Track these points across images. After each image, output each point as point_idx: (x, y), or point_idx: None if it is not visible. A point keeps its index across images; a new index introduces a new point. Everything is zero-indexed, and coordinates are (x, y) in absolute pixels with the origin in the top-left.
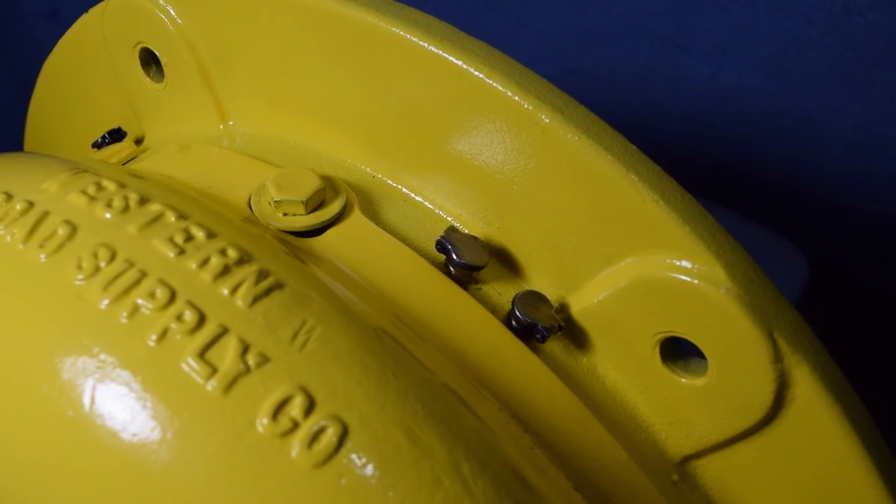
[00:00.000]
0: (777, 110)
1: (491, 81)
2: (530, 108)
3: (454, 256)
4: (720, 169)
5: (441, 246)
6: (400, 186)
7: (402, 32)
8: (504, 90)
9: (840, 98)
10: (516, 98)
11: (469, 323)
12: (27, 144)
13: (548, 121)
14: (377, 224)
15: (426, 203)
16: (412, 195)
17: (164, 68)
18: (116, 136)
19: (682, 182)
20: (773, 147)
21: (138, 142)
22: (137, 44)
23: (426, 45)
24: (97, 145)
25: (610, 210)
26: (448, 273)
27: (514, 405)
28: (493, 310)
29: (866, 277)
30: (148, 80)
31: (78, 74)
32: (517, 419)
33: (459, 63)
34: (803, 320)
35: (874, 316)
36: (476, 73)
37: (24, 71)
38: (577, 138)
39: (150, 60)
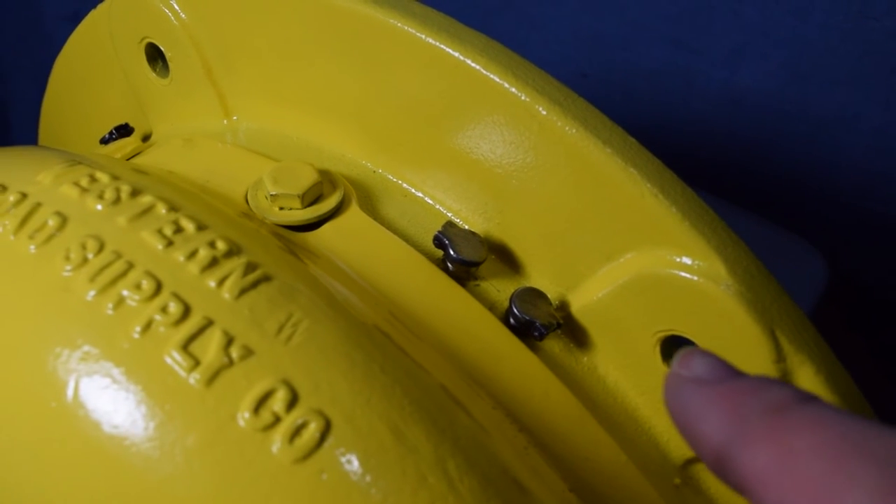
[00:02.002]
0: (793, 115)
1: (488, 73)
2: (527, 99)
3: (451, 252)
4: (736, 173)
5: (438, 241)
6: (400, 181)
7: (398, 24)
8: (501, 82)
9: (857, 103)
10: (513, 90)
11: (465, 320)
12: (41, 141)
13: (545, 113)
14: (375, 219)
15: (426, 198)
16: (412, 190)
17: (169, 63)
18: (124, 131)
19: (696, 185)
20: (789, 152)
21: (146, 138)
22: (143, 39)
23: (423, 36)
24: (105, 141)
25: (609, 205)
26: (446, 269)
27: (508, 403)
28: (492, 307)
29: (885, 280)
30: (154, 75)
31: (87, 71)
32: (512, 418)
33: (456, 54)
34: (808, 320)
35: (883, 318)
36: (473, 64)
37: (47, 73)
38: (574, 131)
39: (155, 56)
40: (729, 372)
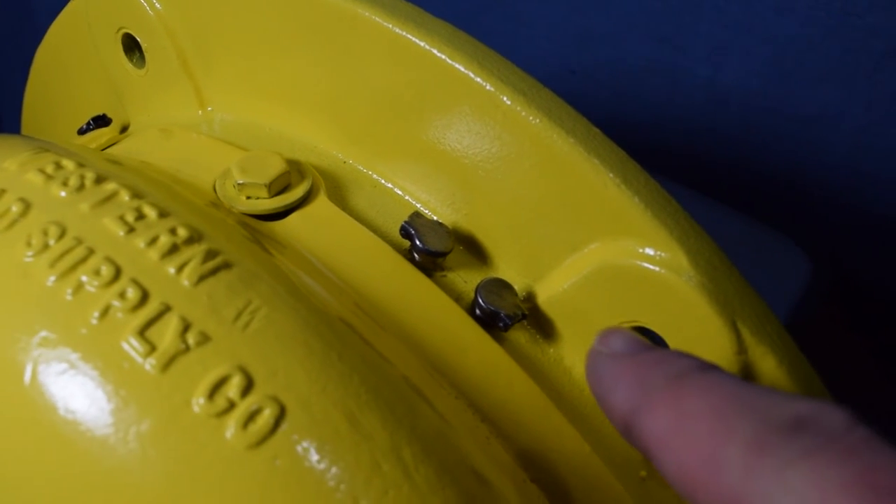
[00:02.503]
0: (777, 112)
1: (452, 62)
2: (491, 89)
3: (417, 242)
4: (720, 170)
5: (405, 231)
6: (370, 172)
7: (365, 13)
8: (466, 71)
9: (841, 101)
10: (478, 79)
11: (430, 310)
12: (24, 131)
13: (509, 103)
14: (344, 209)
15: (395, 189)
16: (382, 181)
17: (145, 54)
18: (101, 122)
19: (680, 182)
20: (773, 149)
21: (125, 129)
22: (119, 29)
23: (389, 25)
24: (82, 131)
25: (573, 195)
26: (412, 259)
27: (471, 394)
28: (458, 298)
29: (873, 280)
30: (130, 66)
31: (68, 61)
32: (474, 408)
33: (422, 44)
34: (771, 312)
35: (883, 318)
36: (438, 53)
37: None
38: (538, 121)
39: (132, 46)
40: (642, 347)
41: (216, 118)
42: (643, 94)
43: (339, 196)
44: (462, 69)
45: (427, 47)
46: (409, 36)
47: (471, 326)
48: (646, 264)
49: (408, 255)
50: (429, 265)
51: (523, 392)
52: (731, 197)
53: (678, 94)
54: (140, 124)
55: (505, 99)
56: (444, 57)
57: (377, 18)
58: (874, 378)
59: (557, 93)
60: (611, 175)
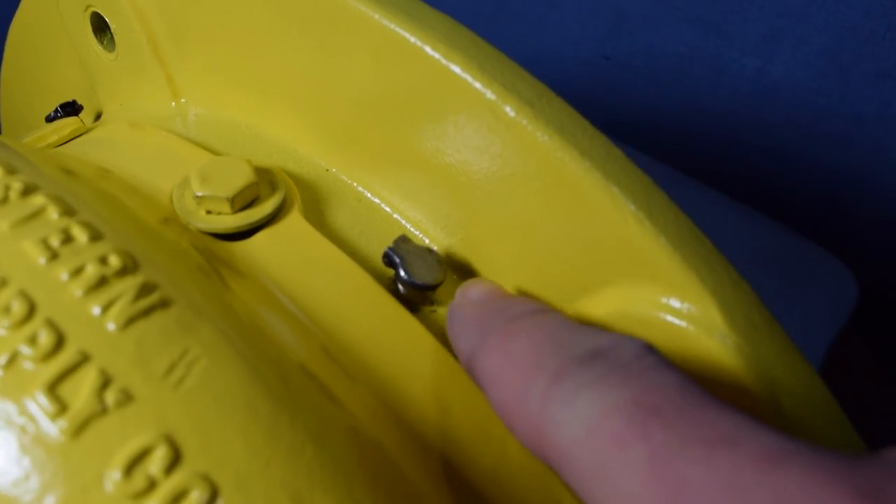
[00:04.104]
0: (830, 111)
1: (448, 63)
2: (494, 97)
3: (402, 273)
4: (761, 174)
5: (388, 259)
6: (354, 183)
7: (350, 1)
8: (464, 75)
9: None
10: (477, 85)
11: (412, 356)
12: (3, 115)
13: (513, 114)
14: (322, 228)
15: (382, 205)
16: (367, 194)
17: (114, 36)
18: (70, 109)
19: (717, 184)
20: (823, 152)
21: (99, 116)
22: (87, 8)
23: (377, 16)
24: (50, 119)
25: (586, 228)
26: (396, 292)
27: (460, 460)
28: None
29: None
30: (100, 48)
31: (40, 40)
32: (462, 481)
33: (413, 39)
34: (819, 379)
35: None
36: (432, 52)
37: None
38: (547, 137)
39: (103, 27)
40: (494, 295)
41: (190, 112)
42: (682, 85)
43: (318, 211)
44: (459, 72)
45: (419, 44)
46: (398, 29)
47: (461, 378)
48: (671, 318)
49: (392, 286)
50: (416, 298)
51: (521, 456)
52: (772, 205)
53: (721, 87)
54: (112, 112)
55: (509, 110)
56: (438, 56)
57: (363, 7)
58: (874, 378)
59: (589, 80)
60: (632, 208)
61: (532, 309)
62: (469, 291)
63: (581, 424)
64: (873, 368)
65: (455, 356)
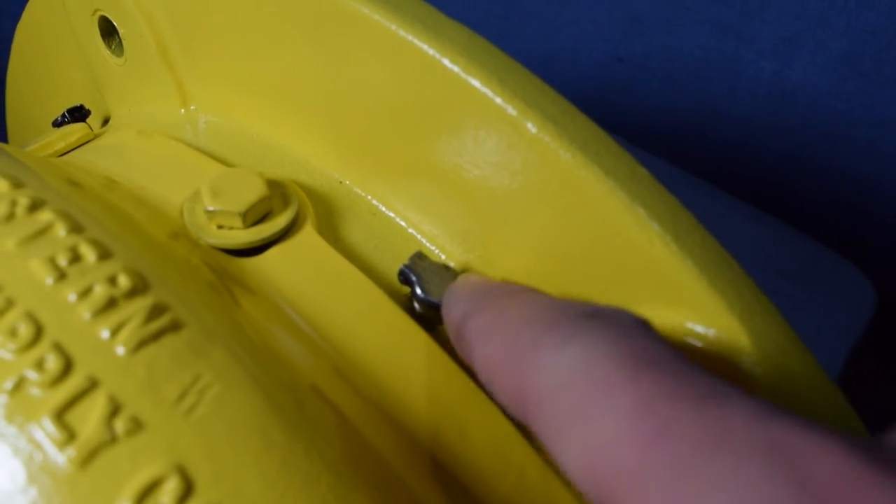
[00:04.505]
0: (849, 116)
1: (468, 77)
2: (514, 113)
3: (418, 290)
4: (778, 178)
5: (404, 276)
6: (369, 196)
7: (365, 9)
8: (484, 89)
9: None
10: (498, 100)
11: (428, 378)
12: (9, 119)
13: (535, 131)
14: (336, 243)
15: (398, 219)
16: (382, 208)
17: (123, 40)
18: (78, 114)
19: (734, 189)
20: (842, 159)
21: (107, 121)
22: (95, 11)
23: (393, 26)
24: (57, 124)
25: (609, 250)
26: (412, 310)
27: (478, 488)
28: None
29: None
30: (109, 53)
31: (47, 43)
32: None
33: (431, 51)
34: (852, 410)
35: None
36: (450, 65)
37: None
38: (570, 156)
39: (111, 31)
40: (494, 279)
41: (200, 119)
42: (698, 88)
43: (331, 225)
44: (479, 86)
45: (437, 56)
46: (414, 40)
47: (480, 401)
48: (696, 343)
49: (407, 304)
50: (431, 317)
51: (538, 485)
52: (788, 209)
53: (738, 90)
54: (120, 118)
55: (530, 126)
56: (457, 69)
57: (378, 17)
58: (874, 378)
59: (603, 83)
60: (658, 229)
61: (528, 289)
62: (468, 276)
63: (568, 369)
64: (890, 375)
65: (469, 372)
